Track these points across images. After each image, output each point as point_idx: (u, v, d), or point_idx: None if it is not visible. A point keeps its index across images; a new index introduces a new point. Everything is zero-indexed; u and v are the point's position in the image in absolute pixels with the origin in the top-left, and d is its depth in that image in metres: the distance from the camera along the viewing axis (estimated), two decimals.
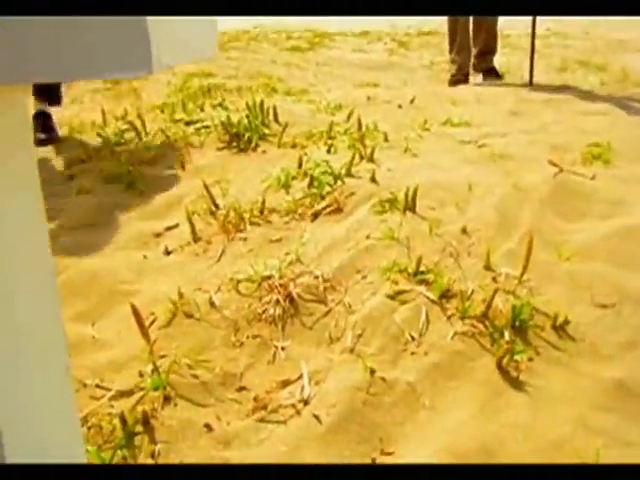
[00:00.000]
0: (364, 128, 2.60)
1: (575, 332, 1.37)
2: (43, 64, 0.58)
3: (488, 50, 4.13)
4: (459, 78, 4.14)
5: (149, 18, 0.54)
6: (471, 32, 4.12)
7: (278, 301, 1.51)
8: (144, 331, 1.40)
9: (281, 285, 1.53)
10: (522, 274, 1.47)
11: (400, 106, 3.36)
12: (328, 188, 1.92)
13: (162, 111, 3.29)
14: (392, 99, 3.72)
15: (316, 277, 1.57)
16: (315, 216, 1.86)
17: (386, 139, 2.44)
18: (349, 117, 2.90)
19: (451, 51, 4.27)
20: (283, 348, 1.43)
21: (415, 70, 5.89)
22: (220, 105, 3.33)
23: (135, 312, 1.40)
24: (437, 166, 2.15)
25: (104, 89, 4.22)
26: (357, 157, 2.17)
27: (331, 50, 6.25)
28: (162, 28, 0.55)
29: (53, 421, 0.67)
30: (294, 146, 2.54)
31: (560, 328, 1.37)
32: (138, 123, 2.84)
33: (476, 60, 4.14)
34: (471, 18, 4.12)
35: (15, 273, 0.73)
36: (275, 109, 2.82)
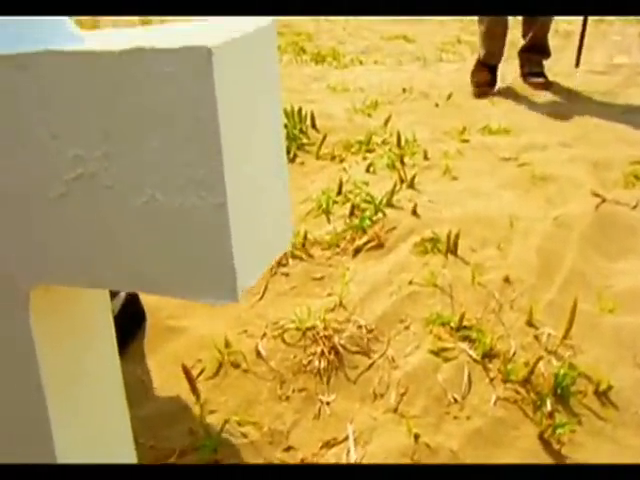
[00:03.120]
0: (403, 140, 2.58)
1: (618, 399, 1.39)
2: (130, 276, 0.61)
3: (536, 48, 3.42)
4: (486, 79, 3.39)
5: (234, 241, 0.56)
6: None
7: (323, 353, 1.54)
8: (194, 389, 1.45)
9: (325, 336, 1.56)
10: (564, 336, 1.48)
11: (437, 105, 3.33)
12: (369, 222, 1.93)
13: None
14: (428, 90, 3.68)
15: (359, 327, 1.60)
16: (356, 251, 1.88)
17: (426, 157, 2.43)
18: (386, 122, 2.88)
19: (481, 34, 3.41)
20: (328, 403, 1.47)
21: (445, 23, 5.79)
22: None
23: (186, 371, 1.45)
24: (477, 192, 2.15)
25: None
26: (397, 181, 2.17)
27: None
28: (244, 248, 0.57)
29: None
30: (333, 158, 2.55)
31: (603, 394, 1.39)
32: None
33: (521, 58, 3.51)
34: None
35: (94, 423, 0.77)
36: (313, 115, 2.81)
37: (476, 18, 3.55)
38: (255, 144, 0.57)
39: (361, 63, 4.71)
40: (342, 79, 4.10)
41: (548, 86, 3.41)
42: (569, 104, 3.25)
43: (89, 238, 0.60)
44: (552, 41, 3.60)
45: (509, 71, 3.67)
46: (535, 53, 3.44)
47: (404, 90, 3.69)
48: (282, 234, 0.65)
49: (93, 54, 0.54)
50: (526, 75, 3.48)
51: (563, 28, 5.11)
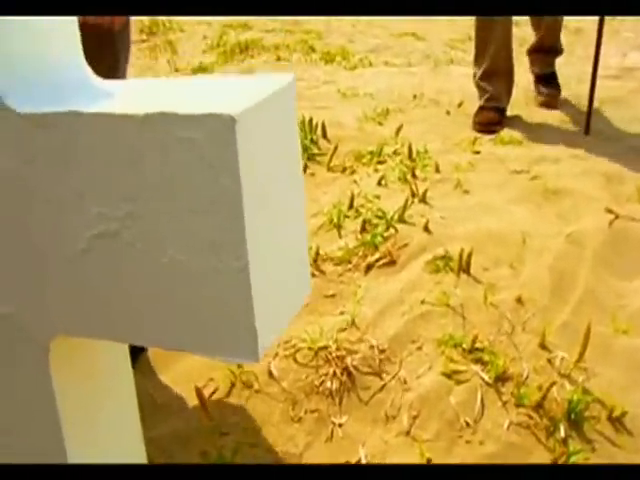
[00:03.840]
0: (414, 152, 2.58)
1: (633, 425, 1.38)
2: (149, 332, 0.61)
3: (547, 48, 3.19)
4: (490, 118, 2.94)
5: (254, 295, 0.55)
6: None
7: (335, 373, 1.54)
8: (206, 410, 1.45)
9: (338, 357, 1.56)
10: (578, 360, 1.48)
11: (448, 112, 3.31)
12: (381, 238, 1.93)
13: None
14: (438, 97, 3.66)
15: (371, 347, 1.59)
16: (368, 268, 1.87)
17: (437, 169, 2.43)
18: (398, 132, 2.88)
19: (477, 71, 3.04)
20: (340, 425, 1.47)
21: (454, 19, 5.73)
22: None
23: (198, 392, 1.46)
24: (489, 207, 2.14)
25: (140, 41, 4.26)
26: (409, 195, 2.17)
27: None
28: (265, 309, 0.57)
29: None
30: (344, 170, 2.54)
31: (617, 420, 1.39)
32: None
33: (531, 58, 3.31)
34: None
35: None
36: (324, 125, 2.81)
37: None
38: (276, 205, 0.57)
39: (370, 64, 4.68)
40: (352, 83, 4.08)
41: (558, 97, 3.28)
42: (581, 114, 3.23)
43: (109, 293, 0.60)
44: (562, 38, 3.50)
45: (519, 72, 3.59)
46: (546, 53, 3.25)
47: (414, 96, 3.67)
48: (300, 290, 0.65)
49: (116, 117, 0.54)
50: (537, 76, 3.32)
51: (572, 25, 5.06)
